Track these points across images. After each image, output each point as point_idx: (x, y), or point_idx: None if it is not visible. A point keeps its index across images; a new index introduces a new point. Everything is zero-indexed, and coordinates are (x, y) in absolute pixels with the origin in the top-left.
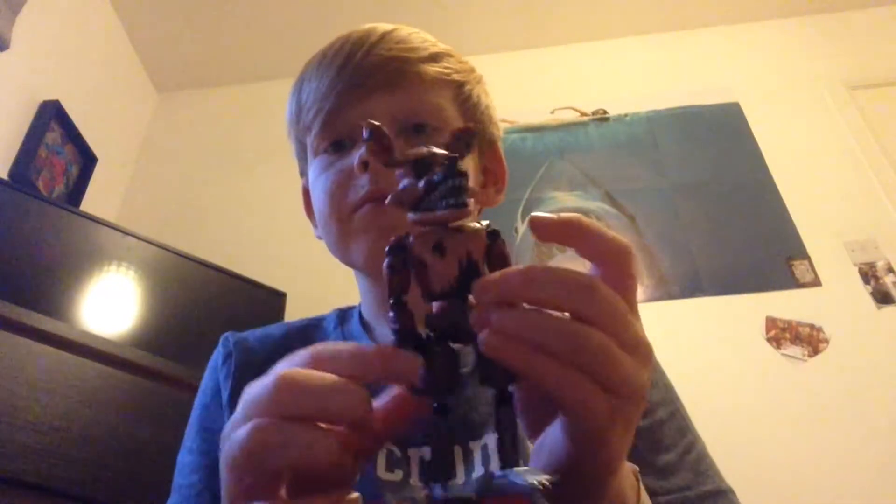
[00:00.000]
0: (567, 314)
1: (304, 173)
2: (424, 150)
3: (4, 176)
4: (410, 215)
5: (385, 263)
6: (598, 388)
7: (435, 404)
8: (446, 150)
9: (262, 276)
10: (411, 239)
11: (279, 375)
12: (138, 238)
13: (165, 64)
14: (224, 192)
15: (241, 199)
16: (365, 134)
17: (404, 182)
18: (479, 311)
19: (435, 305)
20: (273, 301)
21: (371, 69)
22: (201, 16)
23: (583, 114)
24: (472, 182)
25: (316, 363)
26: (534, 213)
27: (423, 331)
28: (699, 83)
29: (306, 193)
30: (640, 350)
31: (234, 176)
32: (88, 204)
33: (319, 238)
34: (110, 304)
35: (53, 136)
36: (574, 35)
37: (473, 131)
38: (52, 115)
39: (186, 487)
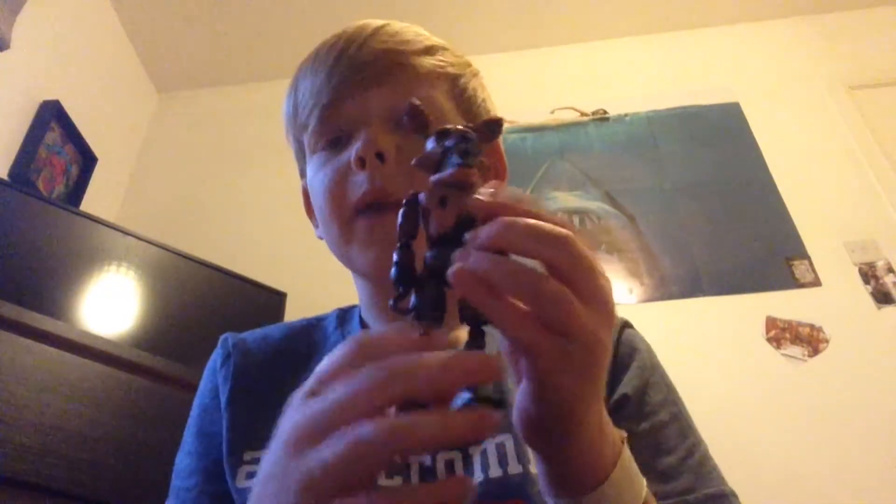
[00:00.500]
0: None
1: (303, 174)
2: (449, 125)
3: (4, 176)
4: (432, 178)
5: (400, 212)
6: (549, 332)
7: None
8: (473, 130)
9: (262, 276)
10: (425, 193)
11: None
12: (138, 238)
13: (165, 64)
14: (224, 192)
15: (242, 199)
16: (405, 113)
17: (428, 147)
18: (461, 252)
19: (432, 249)
20: (273, 301)
21: (365, 63)
22: (201, 16)
23: (583, 114)
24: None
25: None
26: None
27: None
28: (699, 83)
29: (306, 194)
30: (598, 301)
31: (234, 176)
32: (88, 204)
33: (321, 238)
34: (110, 304)
35: (53, 136)
36: (574, 35)
37: (502, 122)
38: (52, 115)
39: (185, 491)
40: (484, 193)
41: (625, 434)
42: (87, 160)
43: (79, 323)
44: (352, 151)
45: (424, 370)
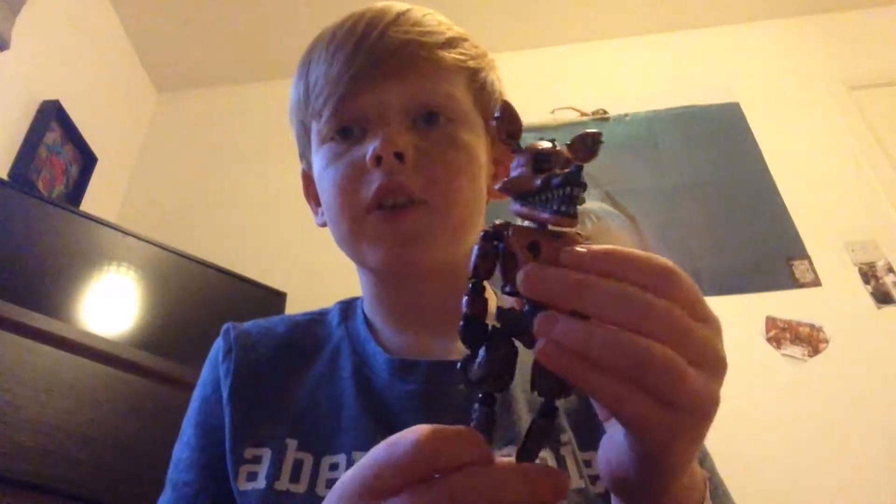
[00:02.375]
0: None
1: (303, 157)
2: (548, 145)
3: (4, 176)
4: (515, 206)
5: (476, 246)
6: (658, 404)
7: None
8: (570, 150)
9: (262, 276)
10: (510, 231)
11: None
12: (138, 238)
13: (165, 64)
14: (224, 191)
15: (242, 198)
16: (497, 113)
17: (519, 170)
18: (543, 318)
19: (509, 300)
20: (273, 301)
21: (386, 54)
22: (201, 16)
23: (583, 114)
24: (482, 171)
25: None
26: (567, 248)
27: (489, 322)
28: (699, 83)
29: (306, 177)
30: (710, 358)
31: (234, 176)
32: (88, 204)
33: (320, 226)
34: (110, 304)
35: (53, 136)
36: (574, 35)
37: (600, 138)
38: (52, 115)
39: (183, 485)
40: (582, 245)
41: (707, 476)
42: (87, 160)
43: (79, 323)
44: (367, 148)
45: (490, 493)
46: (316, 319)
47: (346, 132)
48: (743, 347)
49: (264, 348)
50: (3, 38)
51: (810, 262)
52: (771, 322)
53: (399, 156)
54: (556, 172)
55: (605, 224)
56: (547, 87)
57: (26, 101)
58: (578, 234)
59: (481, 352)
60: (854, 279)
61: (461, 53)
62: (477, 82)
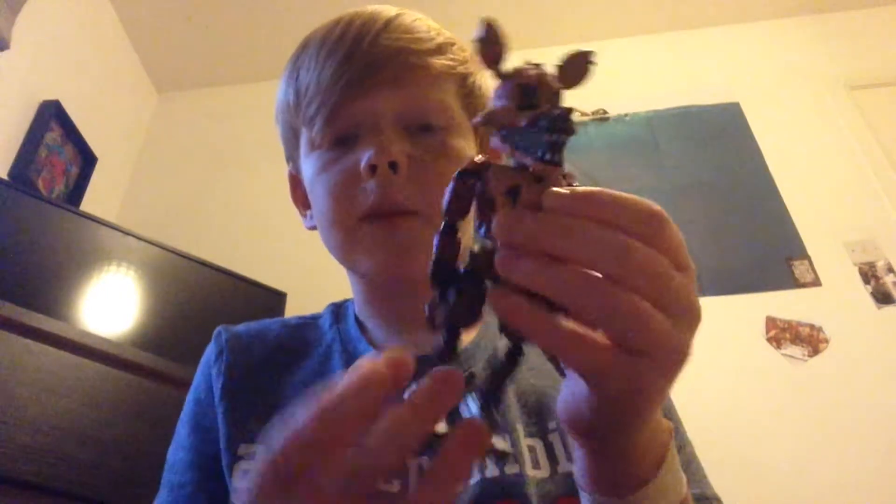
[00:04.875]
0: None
1: (290, 159)
2: (535, 72)
3: (4, 176)
4: (496, 139)
5: (451, 184)
6: (620, 352)
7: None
8: (560, 75)
9: (262, 276)
10: (490, 172)
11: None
12: (138, 238)
13: (165, 64)
14: (224, 192)
15: (241, 199)
16: (479, 33)
17: (503, 101)
18: (505, 255)
19: (480, 243)
20: (273, 301)
21: (378, 62)
22: (201, 16)
23: (583, 114)
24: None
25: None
26: (551, 190)
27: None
28: (699, 83)
29: (293, 179)
30: (684, 305)
31: (233, 176)
32: (88, 204)
33: (310, 228)
34: (110, 304)
35: (53, 136)
36: (575, 35)
37: (592, 58)
38: (52, 115)
39: (178, 487)
40: (565, 188)
41: (672, 426)
42: (87, 160)
43: (79, 323)
44: (361, 156)
45: (381, 446)
46: (308, 323)
47: (338, 140)
48: (743, 347)
49: (256, 350)
50: (3, 38)
51: (810, 262)
52: (771, 322)
53: (393, 165)
54: (542, 112)
55: None
56: None
57: (26, 101)
58: (563, 174)
59: (449, 294)
60: (854, 279)
61: (451, 59)
62: (466, 87)
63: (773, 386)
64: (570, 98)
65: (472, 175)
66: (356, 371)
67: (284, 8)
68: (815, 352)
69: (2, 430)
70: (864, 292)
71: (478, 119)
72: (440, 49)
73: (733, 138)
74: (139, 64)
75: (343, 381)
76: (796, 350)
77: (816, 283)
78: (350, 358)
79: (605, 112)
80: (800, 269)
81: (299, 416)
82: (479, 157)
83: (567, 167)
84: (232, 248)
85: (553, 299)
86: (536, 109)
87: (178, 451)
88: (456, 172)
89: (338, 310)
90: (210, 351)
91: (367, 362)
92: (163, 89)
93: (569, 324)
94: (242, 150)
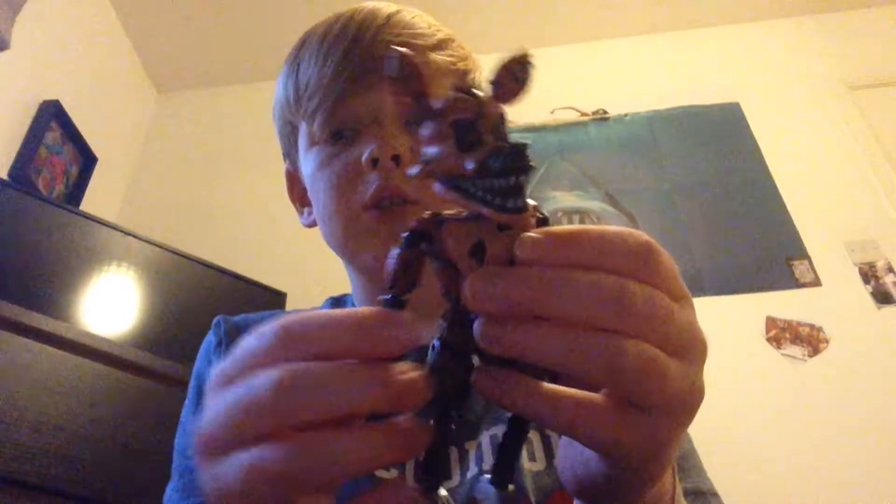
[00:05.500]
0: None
1: (288, 156)
2: (468, 103)
3: (4, 176)
4: (440, 187)
5: (395, 253)
6: (632, 411)
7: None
8: (497, 93)
9: (262, 276)
10: (444, 230)
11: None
12: (138, 238)
13: (165, 64)
14: (224, 191)
15: (241, 199)
16: (389, 67)
17: (437, 146)
18: (484, 328)
19: (449, 320)
20: (273, 301)
21: (379, 57)
22: (201, 16)
23: (583, 114)
24: None
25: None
26: (524, 235)
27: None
28: (699, 83)
29: (290, 177)
30: (689, 345)
31: (233, 176)
32: (88, 204)
33: (307, 226)
34: (110, 304)
35: (53, 136)
36: (574, 35)
37: (529, 60)
38: (52, 115)
39: (189, 472)
40: (539, 231)
41: (674, 466)
42: (87, 160)
43: (79, 323)
44: (363, 150)
45: (336, 387)
46: None
47: (338, 134)
48: (743, 347)
49: None
50: (3, 38)
51: (810, 262)
52: (771, 322)
53: (396, 159)
54: (492, 151)
55: (605, 224)
56: (547, 87)
57: (26, 101)
58: (532, 215)
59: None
60: (854, 279)
61: (451, 55)
62: (466, 84)
63: (773, 386)
64: (572, 99)
65: (422, 237)
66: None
67: (284, 8)
68: (815, 352)
69: (2, 430)
70: (864, 292)
71: (413, 171)
72: (441, 45)
73: (733, 138)
74: (139, 64)
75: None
76: (796, 350)
77: (816, 283)
78: None
79: (605, 112)
80: (800, 269)
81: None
82: (426, 213)
83: (531, 201)
84: (232, 248)
85: (548, 368)
86: (481, 146)
87: (185, 436)
88: (403, 235)
89: (336, 304)
90: (210, 340)
91: (366, 309)
92: (162, 89)
93: (570, 394)
94: (242, 150)
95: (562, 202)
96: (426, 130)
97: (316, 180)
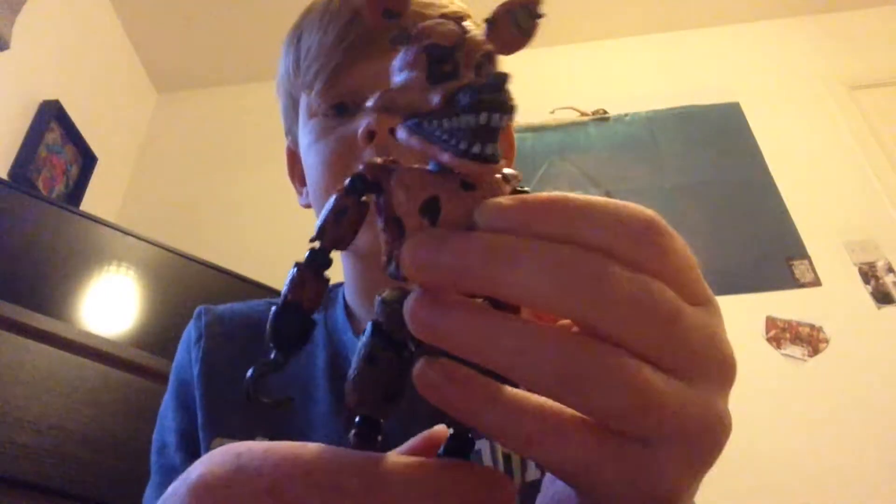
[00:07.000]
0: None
1: (289, 132)
2: (453, 27)
3: (4, 176)
4: (402, 130)
5: (332, 198)
6: (614, 440)
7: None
8: (491, 34)
9: (262, 276)
10: (394, 179)
11: None
12: (138, 238)
13: (165, 64)
14: (224, 191)
15: (242, 198)
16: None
17: (406, 74)
18: (418, 303)
19: (393, 291)
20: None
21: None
22: (201, 16)
23: (583, 114)
24: None
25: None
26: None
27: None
28: (699, 83)
29: (291, 155)
30: (711, 364)
31: (234, 176)
32: (88, 204)
33: (305, 206)
34: (110, 304)
35: (53, 135)
36: (574, 35)
37: (538, 8)
38: (52, 115)
39: (171, 470)
40: (506, 197)
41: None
42: (87, 160)
43: (79, 323)
44: (360, 123)
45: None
46: None
47: (337, 107)
48: (743, 347)
49: (237, 337)
50: (3, 38)
51: (810, 262)
52: (771, 322)
53: (394, 132)
54: (464, 83)
55: None
56: (547, 87)
57: (26, 101)
58: (503, 178)
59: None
60: (854, 279)
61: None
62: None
63: (772, 386)
64: (572, 99)
65: (365, 185)
66: None
67: (284, 8)
68: (815, 352)
69: (2, 430)
70: (864, 292)
71: (370, 103)
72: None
73: (733, 138)
74: (139, 64)
75: None
76: (796, 350)
77: (816, 283)
78: (334, 350)
79: (605, 112)
80: (800, 269)
81: None
82: (378, 158)
83: (511, 168)
84: (232, 248)
85: (497, 373)
86: (456, 80)
87: (165, 433)
88: (346, 180)
89: (328, 293)
90: (189, 332)
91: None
92: (162, 89)
93: (535, 403)
94: (242, 150)
95: None
96: (398, 60)
97: (309, 154)
